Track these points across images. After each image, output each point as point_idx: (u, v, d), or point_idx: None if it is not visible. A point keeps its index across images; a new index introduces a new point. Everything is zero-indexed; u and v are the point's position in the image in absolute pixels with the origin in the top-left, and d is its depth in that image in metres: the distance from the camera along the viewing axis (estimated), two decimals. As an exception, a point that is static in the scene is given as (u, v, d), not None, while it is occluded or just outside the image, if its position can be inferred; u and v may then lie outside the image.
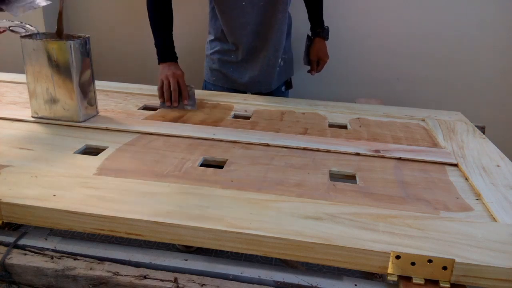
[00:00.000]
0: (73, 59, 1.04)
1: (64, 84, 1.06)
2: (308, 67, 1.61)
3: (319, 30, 1.55)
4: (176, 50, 1.37)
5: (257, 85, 1.48)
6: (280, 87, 1.58)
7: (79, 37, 1.08)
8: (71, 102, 1.08)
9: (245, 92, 1.51)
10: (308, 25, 1.59)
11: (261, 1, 1.32)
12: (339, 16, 1.79)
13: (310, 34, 1.59)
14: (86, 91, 1.11)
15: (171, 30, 1.36)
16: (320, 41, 1.56)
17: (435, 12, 1.73)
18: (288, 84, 1.61)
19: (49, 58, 1.04)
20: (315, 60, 1.58)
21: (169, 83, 1.27)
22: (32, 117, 1.12)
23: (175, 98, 1.27)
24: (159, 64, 1.34)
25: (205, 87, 1.57)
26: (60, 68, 1.05)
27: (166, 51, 1.34)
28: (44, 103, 1.10)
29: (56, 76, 1.06)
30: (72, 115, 1.10)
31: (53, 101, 1.09)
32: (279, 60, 1.46)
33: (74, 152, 0.94)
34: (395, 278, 0.64)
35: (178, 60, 1.37)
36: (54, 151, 0.94)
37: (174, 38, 1.36)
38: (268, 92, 1.51)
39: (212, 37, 1.49)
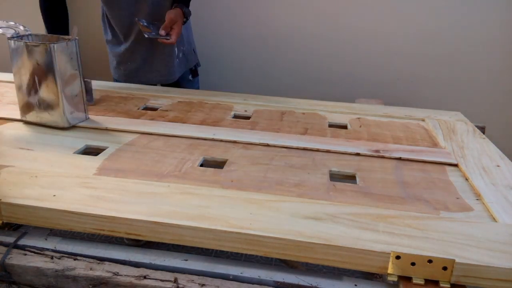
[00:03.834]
0: (57, 62, 1.00)
1: (48, 88, 1.03)
2: None
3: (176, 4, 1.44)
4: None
5: (157, 76, 1.54)
6: (186, 76, 1.62)
7: (65, 39, 1.04)
8: (56, 107, 1.04)
9: (155, 85, 1.56)
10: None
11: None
12: (339, 16, 1.79)
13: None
14: (73, 96, 1.06)
15: (66, 30, 1.42)
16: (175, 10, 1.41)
17: (435, 12, 1.73)
18: (194, 72, 1.65)
19: (33, 61, 1.01)
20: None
21: None
22: (21, 120, 1.10)
23: None
24: None
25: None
26: (43, 72, 1.01)
27: None
28: (30, 107, 1.07)
29: (40, 79, 1.03)
30: (57, 121, 1.06)
31: (38, 105, 1.06)
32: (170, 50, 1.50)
33: (74, 152, 0.94)
34: (395, 278, 0.64)
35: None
36: (54, 151, 0.94)
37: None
38: (174, 82, 1.57)
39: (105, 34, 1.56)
